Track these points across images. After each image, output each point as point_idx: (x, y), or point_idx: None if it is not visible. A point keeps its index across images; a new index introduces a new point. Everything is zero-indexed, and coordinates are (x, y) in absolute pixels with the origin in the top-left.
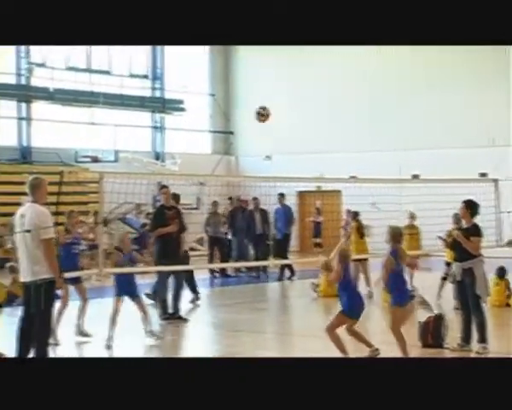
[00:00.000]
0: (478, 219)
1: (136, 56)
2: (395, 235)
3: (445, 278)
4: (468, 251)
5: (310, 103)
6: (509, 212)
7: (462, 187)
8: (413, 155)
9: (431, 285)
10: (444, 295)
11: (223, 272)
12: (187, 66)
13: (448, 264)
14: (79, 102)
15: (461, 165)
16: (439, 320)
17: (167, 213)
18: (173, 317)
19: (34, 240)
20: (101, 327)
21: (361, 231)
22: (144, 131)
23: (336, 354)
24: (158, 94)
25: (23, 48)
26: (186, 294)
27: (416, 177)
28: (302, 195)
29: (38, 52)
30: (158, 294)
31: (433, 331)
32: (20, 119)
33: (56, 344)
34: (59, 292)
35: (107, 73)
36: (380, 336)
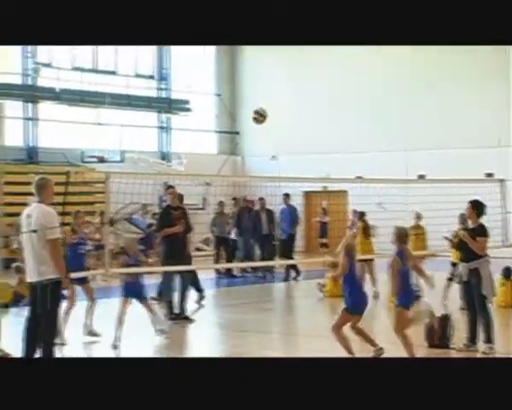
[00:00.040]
0: (484, 220)
1: (142, 57)
2: (401, 235)
3: (450, 279)
4: (474, 251)
5: (316, 104)
6: None
7: (468, 187)
8: (419, 155)
9: (436, 285)
10: (450, 295)
11: (229, 272)
12: (193, 66)
13: (454, 264)
14: (86, 103)
15: (467, 165)
16: (445, 320)
17: (173, 214)
18: (179, 317)
19: (40, 240)
20: (107, 327)
21: (367, 231)
22: (150, 131)
23: (342, 353)
24: (164, 94)
25: (29, 48)
26: (191, 294)
27: (422, 177)
28: (308, 195)
29: (45, 52)
30: (164, 294)
31: (439, 332)
32: (27, 119)
33: (63, 344)
34: (65, 292)
35: (114, 73)
36: (385, 335)
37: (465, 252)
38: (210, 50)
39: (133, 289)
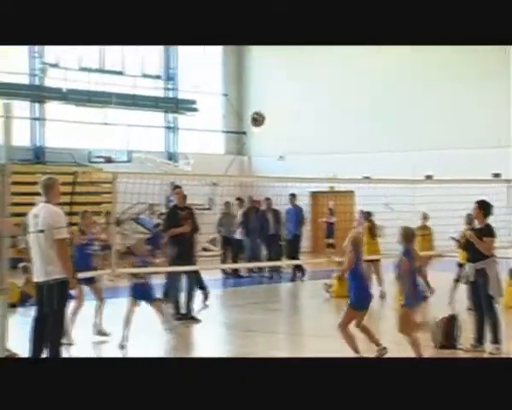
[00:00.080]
0: (491, 220)
1: (149, 57)
2: (407, 235)
3: (457, 280)
4: (481, 252)
5: (323, 104)
6: None
7: (475, 187)
8: (426, 155)
9: (443, 286)
10: (457, 295)
11: (235, 272)
12: (200, 66)
13: (460, 265)
14: (93, 103)
15: (474, 165)
16: (452, 321)
17: (180, 214)
18: (186, 317)
19: (48, 240)
20: (115, 327)
21: (373, 231)
22: (157, 131)
23: (349, 353)
24: (171, 94)
25: (36, 48)
26: (198, 294)
27: (429, 177)
28: (315, 195)
29: (52, 52)
30: (170, 294)
31: (446, 332)
32: (34, 119)
33: (70, 344)
34: (73, 292)
35: (121, 73)
36: (390, 335)
37: (472, 252)
38: (217, 50)
39: (142, 291)
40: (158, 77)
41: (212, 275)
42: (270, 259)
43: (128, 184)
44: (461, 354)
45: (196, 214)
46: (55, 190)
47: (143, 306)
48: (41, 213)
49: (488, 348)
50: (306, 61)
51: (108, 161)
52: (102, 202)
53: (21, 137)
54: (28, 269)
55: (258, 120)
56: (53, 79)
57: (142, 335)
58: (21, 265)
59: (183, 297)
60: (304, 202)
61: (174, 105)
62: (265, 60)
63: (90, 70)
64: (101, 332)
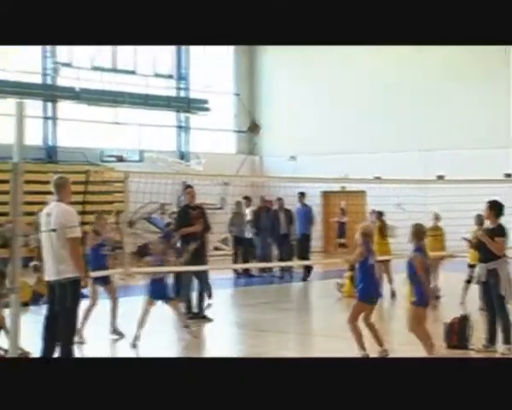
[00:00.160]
0: (503, 220)
1: (161, 56)
2: (418, 232)
3: (469, 281)
4: (493, 252)
5: (335, 104)
6: None
7: (487, 188)
8: (438, 155)
9: (455, 286)
10: (469, 295)
11: (247, 271)
12: (212, 65)
13: (470, 266)
14: (105, 102)
15: (486, 165)
16: (464, 321)
17: (192, 213)
18: (197, 316)
19: (60, 239)
20: (127, 325)
21: (383, 231)
22: (169, 130)
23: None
24: (183, 94)
25: (49, 47)
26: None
27: (440, 177)
28: (327, 195)
29: (64, 52)
30: (182, 294)
31: (458, 332)
32: (46, 118)
33: (82, 343)
34: (85, 291)
35: (133, 72)
36: (401, 336)
37: (483, 252)
38: (229, 50)
39: (158, 290)
40: (170, 76)
41: (223, 274)
42: (281, 259)
43: (140, 184)
44: (473, 355)
45: (208, 214)
46: (66, 188)
47: (158, 306)
48: (53, 211)
49: (500, 349)
50: (318, 61)
51: (120, 160)
52: (114, 201)
53: (34, 136)
54: (39, 268)
55: (254, 128)
56: (65, 79)
57: (154, 334)
58: (32, 264)
59: (194, 296)
60: (315, 202)
61: (186, 104)
62: (277, 60)
63: (102, 69)
64: (116, 331)
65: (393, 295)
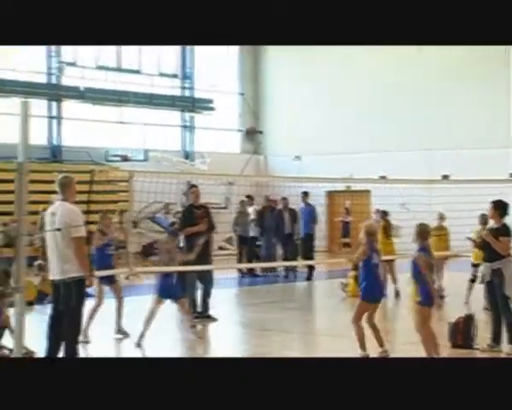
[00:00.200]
0: (507, 220)
1: (165, 56)
2: (422, 231)
3: (472, 281)
4: (498, 251)
5: (339, 104)
6: None
7: (491, 187)
8: (443, 155)
9: (459, 286)
10: (474, 295)
11: (251, 271)
12: (216, 65)
13: (474, 265)
14: (109, 101)
15: (491, 165)
16: (468, 321)
17: (196, 213)
18: (202, 316)
19: (65, 238)
20: (133, 325)
21: (388, 230)
22: (174, 130)
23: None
24: (187, 93)
25: (54, 47)
26: (214, 293)
27: (445, 177)
28: (331, 195)
29: (69, 51)
30: (186, 293)
31: (462, 332)
32: (51, 118)
33: (87, 342)
34: (90, 291)
35: (137, 72)
36: (405, 336)
37: (488, 252)
38: (233, 50)
39: (167, 289)
40: (175, 76)
41: (227, 274)
42: (286, 258)
43: (144, 183)
44: (477, 354)
45: (212, 213)
46: (71, 188)
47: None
48: (58, 211)
49: (505, 349)
50: (322, 61)
51: (125, 159)
52: (119, 201)
53: (39, 135)
54: (43, 267)
55: (252, 133)
56: (70, 78)
57: (158, 333)
58: (36, 263)
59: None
60: (320, 202)
61: (191, 104)
62: (282, 60)
63: (107, 69)
64: (121, 331)
65: (397, 294)
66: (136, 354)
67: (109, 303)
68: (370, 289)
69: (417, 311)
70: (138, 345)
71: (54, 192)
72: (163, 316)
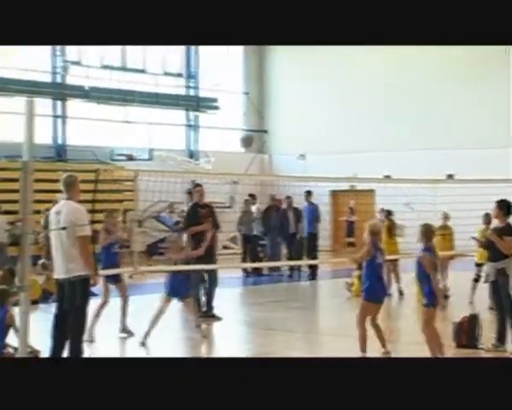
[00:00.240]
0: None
1: (170, 55)
2: (426, 232)
3: (476, 280)
4: (502, 251)
5: (344, 103)
6: None
7: (496, 187)
8: (448, 154)
9: (464, 285)
10: (478, 294)
11: (256, 270)
12: (221, 64)
13: (478, 265)
14: (114, 101)
15: (496, 165)
16: (473, 320)
17: (200, 212)
18: (207, 315)
19: (70, 237)
20: (137, 324)
21: (392, 230)
22: (178, 129)
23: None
24: (192, 92)
25: (58, 46)
26: (219, 292)
27: (450, 176)
28: (336, 194)
29: (74, 50)
30: (191, 292)
31: (467, 332)
32: (56, 117)
33: (92, 341)
34: (95, 289)
35: (142, 71)
36: (409, 336)
37: (493, 251)
38: (238, 50)
39: (177, 287)
40: (179, 75)
41: (232, 273)
42: (290, 258)
43: (149, 182)
44: (482, 354)
45: (217, 212)
46: (76, 187)
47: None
48: (63, 210)
49: (510, 349)
50: (326, 61)
51: (130, 158)
52: (124, 200)
53: (43, 134)
54: (47, 266)
55: (248, 141)
56: (75, 77)
57: (163, 332)
58: (40, 262)
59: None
60: (324, 201)
61: (195, 103)
62: (286, 59)
63: (111, 68)
64: (125, 330)
65: (401, 294)
66: (141, 353)
67: (115, 302)
68: (373, 289)
69: (422, 312)
70: (143, 343)
71: (58, 191)
72: (167, 315)
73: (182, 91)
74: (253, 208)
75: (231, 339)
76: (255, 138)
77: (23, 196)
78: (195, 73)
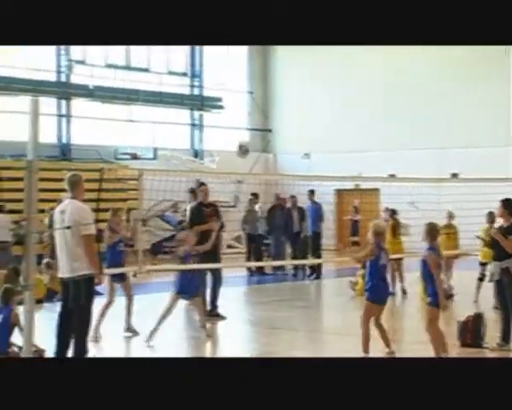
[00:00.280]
0: None
1: (174, 54)
2: (431, 230)
3: (481, 279)
4: (507, 250)
5: (348, 102)
6: None
7: (501, 186)
8: (452, 153)
9: (468, 284)
10: (483, 293)
11: (260, 269)
12: (225, 64)
13: (482, 264)
14: (118, 100)
15: (501, 163)
16: (478, 319)
17: (205, 211)
18: (211, 314)
19: (74, 236)
20: (142, 324)
21: (396, 229)
22: (183, 128)
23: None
24: (196, 91)
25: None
26: (223, 291)
27: (455, 175)
28: (340, 193)
29: (78, 50)
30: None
31: (472, 331)
32: (60, 116)
33: (98, 340)
34: (100, 288)
35: (146, 70)
36: (413, 335)
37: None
38: (242, 50)
39: (186, 285)
40: (184, 74)
41: (236, 272)
42: (294, 257)
43: (154, 182)
44: (487, 353)
45: (221, 211)
46: (80, 186)
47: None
48: (68, 209)
49: None
50: (331, 60)
51: (134, 158)
52: (128, 199)
53: (48, 133)
54: (52, 265)
55: (243, 151)
56: (79, 76)
57: (167, 330)
58: (45, 261)
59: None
60: (329, 200)
61: (199, 102)
62: (291, 59)
63: (116, 67)
64: (130, 329)
65: (404, 293)
66: (145, 352)
67: (119, 301)
68: (376, 289)
69: (426, 311)
70: (148, 341)
71: (63, 190)
72: (175, 314)
73: (186, 91)
74: (256, 207)
75: (235, 338)
76: (259, 138)
77: (28, 195)
78: (200, 72)
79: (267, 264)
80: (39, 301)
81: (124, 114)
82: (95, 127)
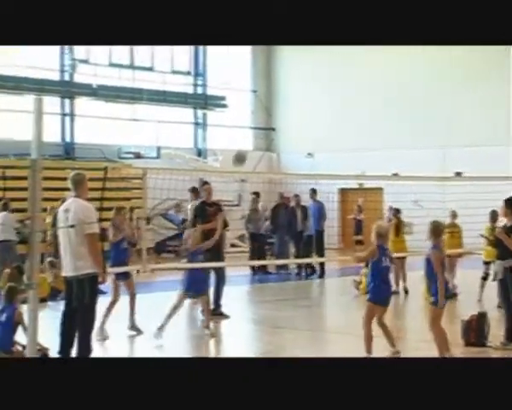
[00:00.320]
0: None
1: (178, 53)
2: (435, 229)
3: (485, 278)
4: (510, 249)
5: (351, 102)
6: None
7: (505, 185)
8: (456, 152)
9: (472, 283)
10: (487, 292)
11: (263, 268)
12: (229, 62)
13: (486, 263)
14: (122, 99)
15: (505, 162)
16: (481, 318)
17: (208, 210)
18: (214, 313)
19: (78, 235)
20: (146, 322)
21: (399, 228)
22: (186, 127)
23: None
24: (200, 90)
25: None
26: (227, 290)
27: (458, 174)
28: (344, 192)
29: (82, 49)
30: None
31: (476, 330)
32: (64, 115)
33: (104, 339)
34: (103, 287)
35: (150, 69)
36: (417, 334)
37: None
38: (246, 49)
39: (194, 284)
40: (187, 73)
41: (240, 271)
42: (298, 256)
43: (157, 180)
44: (490, 352)
45: (225, 211)
46: (84, 185)
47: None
48: (71, 207)
49: None
50: (336, 60)
51: (138, 156)
52: (132, 198)
53: (52, 132)
54: (55, 264)
55: (241, 159)
56: (83, 75)
57: (172, 329)
58: (48, 260)
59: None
60: (332, 199)
61: (203, 101)
62: (295, 58)
63: (119, 66)
64: (134, 327)
65: (406, 292)
66: (149, 351)
67: (124, 300)
68: (377, 290)
69: (429, 310)
70: (156, 337)
71: (67, 189)
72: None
73: (190, 89)
74: (259, 206)
75: (239, 337)
76: (263, 136)
77: (32, 194)
78: (203, 71)
79: (270, 262)
80: (43, 300)
81: (127, 113)
82: (98, 126)
